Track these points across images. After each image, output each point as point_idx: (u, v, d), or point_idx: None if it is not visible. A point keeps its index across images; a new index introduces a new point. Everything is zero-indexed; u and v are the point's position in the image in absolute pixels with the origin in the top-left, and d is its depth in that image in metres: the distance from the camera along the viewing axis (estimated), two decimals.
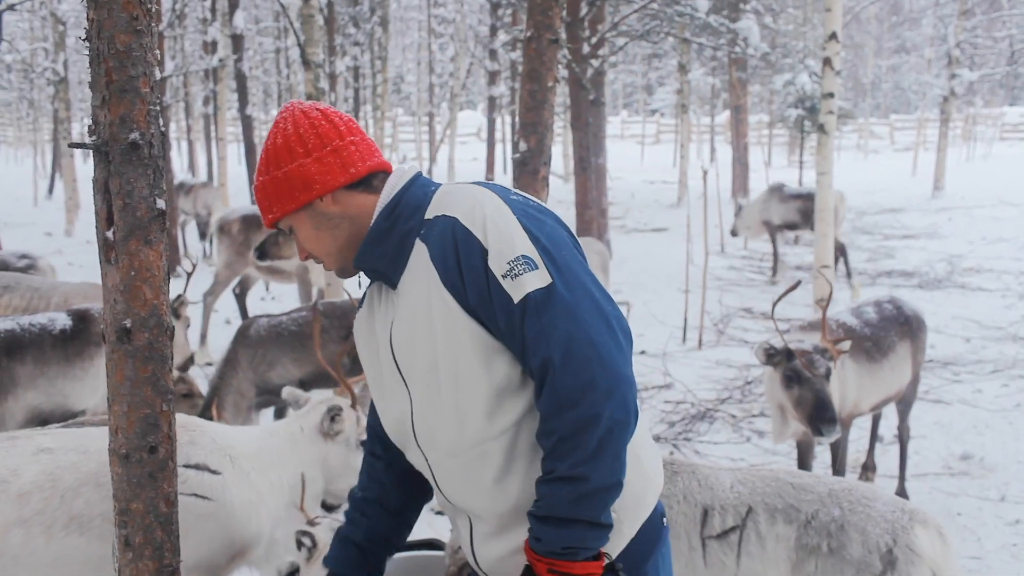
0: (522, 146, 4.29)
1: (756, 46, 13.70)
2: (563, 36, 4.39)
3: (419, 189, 1.95)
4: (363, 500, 2.20)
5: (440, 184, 2.01)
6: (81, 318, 4.92)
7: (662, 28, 13.82)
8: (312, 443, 3.30)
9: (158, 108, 1.82)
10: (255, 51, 27.17)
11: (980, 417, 6.73)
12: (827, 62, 9.46)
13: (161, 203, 1.83)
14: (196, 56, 24.96)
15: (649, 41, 14.15)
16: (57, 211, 18.78)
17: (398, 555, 2.82)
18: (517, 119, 4.62)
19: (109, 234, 1.81)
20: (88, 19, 1.75)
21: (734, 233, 13.04)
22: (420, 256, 1.87)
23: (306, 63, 7.77)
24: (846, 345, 4.62)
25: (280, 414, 5.98)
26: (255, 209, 9.57)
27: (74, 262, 12.94)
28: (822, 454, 5.58)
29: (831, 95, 9.52)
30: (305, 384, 5.67)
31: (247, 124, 14.90)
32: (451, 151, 24.46)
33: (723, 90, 28.56)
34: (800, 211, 12.54)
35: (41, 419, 4.66)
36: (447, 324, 1.83)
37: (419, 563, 2.76)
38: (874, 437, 5.70)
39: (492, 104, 23.19)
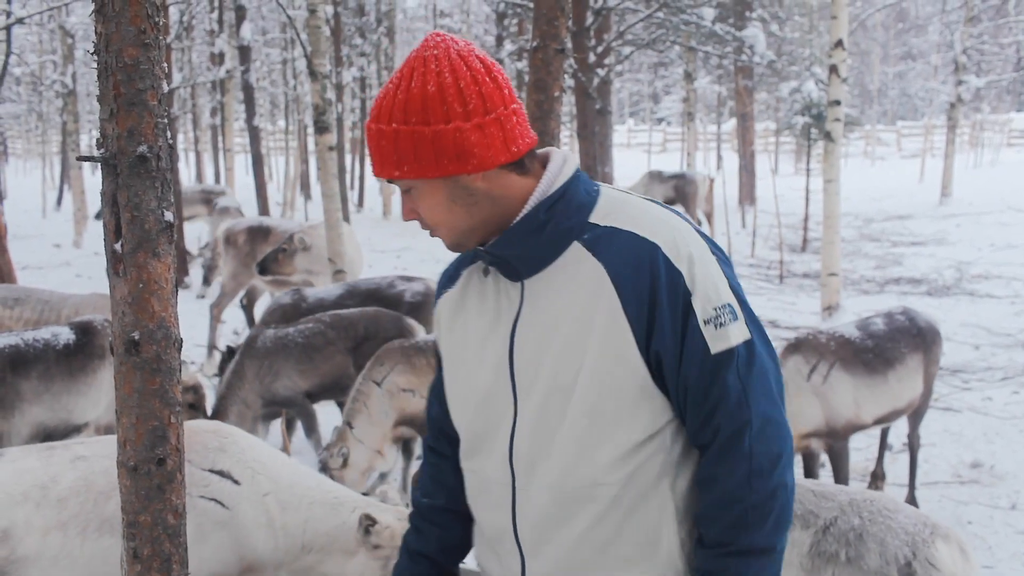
0: None
1: (762, 54, 13.71)
2: (569, 46, 4.40)
3: (583, 185, 1.72)
4: (431, 508, 1.97)
5: (600, 185, 1.77)
6: (84, 331, 4.84)
7: (668, 37, 13.85)
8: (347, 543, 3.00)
9: (166, 121, 1.83)
10: (262, 62, 27.24)
11: (990, 425, 6.69)
12: (833, 69, 9.47)
13: (169, 216, 1.84)
14: (203, 68, 25.09)
15: (655, 50, 14.22)
16: (65, 223, 18.82)
17: None
18: None
19: (117, 247, 1.82)
20: (96, 33, 1.76)
21: None
22: (582, 263, 1.66)
23: (313, 74, 7.80)
24: None
25: (289, 424, 5.98)
26: (261, 220, 9.56)
27: (82, 274, 12.97)
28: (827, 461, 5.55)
29: (837, 102, 9.53)
30: (311, 396, 5.68)
31: (254, 135, 14.95)
32: None
33: (729, 98, 28.55)
34: (675, 188, 14.06)
35: (46, 434, 4.62)
36: (608, 354, 1.63)
37: None
38: (883, 445, 5.66)
39: None
